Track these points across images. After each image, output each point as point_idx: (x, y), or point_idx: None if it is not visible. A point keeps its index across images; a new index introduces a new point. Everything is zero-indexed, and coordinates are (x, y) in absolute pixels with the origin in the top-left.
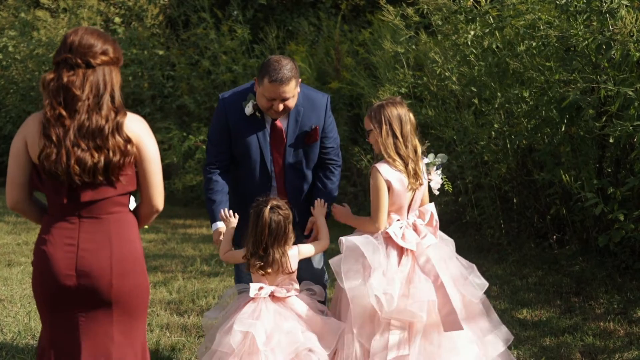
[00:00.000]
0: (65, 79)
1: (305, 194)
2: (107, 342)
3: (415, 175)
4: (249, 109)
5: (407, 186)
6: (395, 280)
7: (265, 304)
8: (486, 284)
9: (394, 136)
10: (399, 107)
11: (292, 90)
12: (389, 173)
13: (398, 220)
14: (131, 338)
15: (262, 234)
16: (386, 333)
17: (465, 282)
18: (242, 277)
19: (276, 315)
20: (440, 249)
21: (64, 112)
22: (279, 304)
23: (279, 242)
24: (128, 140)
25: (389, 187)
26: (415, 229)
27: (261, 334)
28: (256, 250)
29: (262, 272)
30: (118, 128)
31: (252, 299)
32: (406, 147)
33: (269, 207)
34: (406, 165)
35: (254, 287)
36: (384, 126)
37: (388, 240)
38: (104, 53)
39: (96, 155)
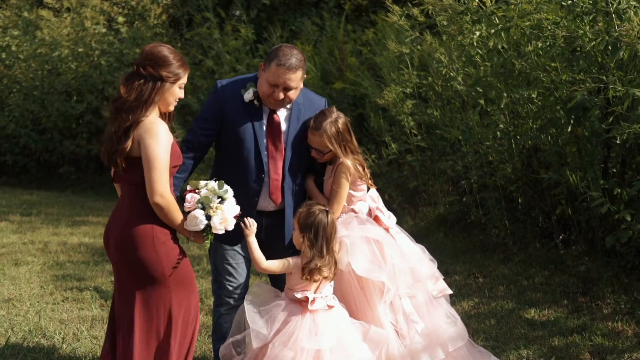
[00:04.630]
0: (123, 82)
1: (300, 199)
2: (121, 304)
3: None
4: (248, 95)
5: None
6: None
7: (322, 317)
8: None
9: (353, 152)
10: (342, 120)
11: (297, 81)
12: (353, 171)
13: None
14: (129, 302)
15: (329, 238)
16: (401, 309)
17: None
18: (223, 277)
19: (333, 328)
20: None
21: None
22: (329, 312)
23: (334, 243)
24: (131, 140)
25: (354, 182)
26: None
27: (327, 351)
28: (323, 255)
29: (331, 275)
30: (129, 129)
31: (309, 310)
32: (359, 153)
33: (324, 209)
34: (364, 169)
35: (310, 297)
36: (345, 145)
37: (375, 221)
38: (157, 69)
39: (115, 146)
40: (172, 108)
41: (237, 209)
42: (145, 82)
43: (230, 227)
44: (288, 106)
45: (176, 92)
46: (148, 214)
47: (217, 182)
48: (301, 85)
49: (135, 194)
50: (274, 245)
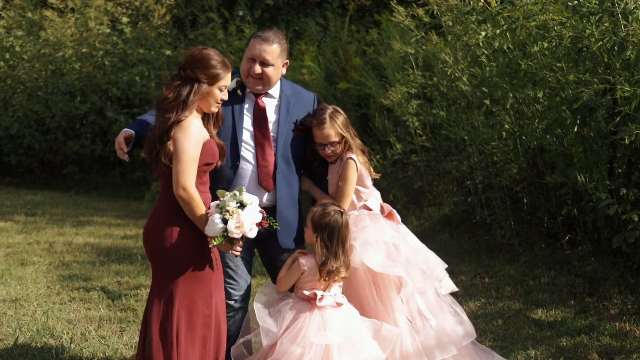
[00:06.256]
0: (166, 82)
1: (292, 192)
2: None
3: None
4: (232, 84)
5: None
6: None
7: (330, 314)
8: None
9: (357, 136)
10: (339, 109)
11: (273, 57)
12: (360, 165)
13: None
14: (155, 293)
15: (344, 239)
16: (416, 304)
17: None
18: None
19: (341, 325)
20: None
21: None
22: (338, 309)
23: (348, 244)
24: (170, 139)
25: (362, 176)
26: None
27: (335, 346)
28: (339, 257)
29: (348, 275)
30: (169, 129)
31: (317, 307)
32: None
33: (339, 210)
34: (364, 153)
35: (319, 294)
36: (350, 134)
37: (388, 217)
38: (195, 71)
39: (158, 144)
40: (213, 109)
41: (258, 217)
42: (184, 83)
43: (251, 234)
44: (276, 96)
45: (215, 94)
46: (174, 208)
47: (238, 189)
48: (281, 69)
49: (166, 187)
50: (270, 245)
